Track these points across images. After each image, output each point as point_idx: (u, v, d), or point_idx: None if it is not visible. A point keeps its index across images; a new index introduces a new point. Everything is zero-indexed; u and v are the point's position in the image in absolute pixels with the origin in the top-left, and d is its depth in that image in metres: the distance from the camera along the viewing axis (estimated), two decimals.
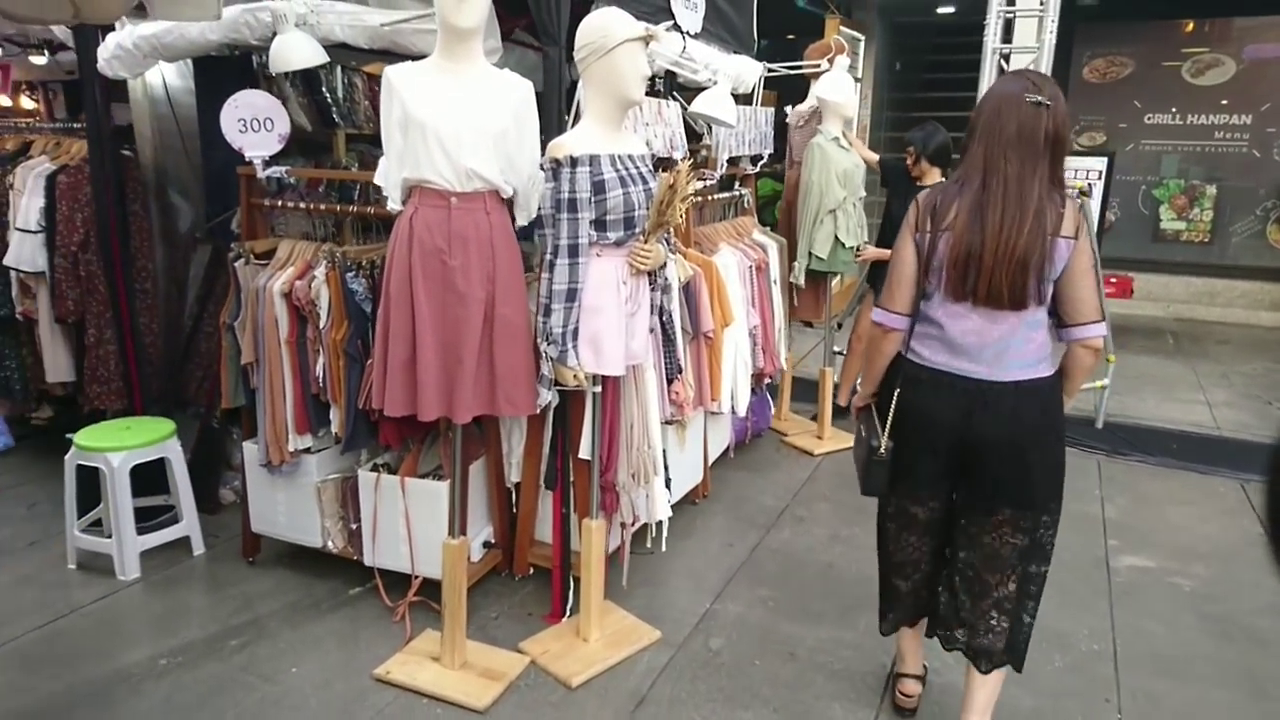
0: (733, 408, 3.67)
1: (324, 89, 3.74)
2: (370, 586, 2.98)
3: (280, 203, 2.99)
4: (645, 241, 2.42)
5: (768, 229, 4.33)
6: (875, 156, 4.50)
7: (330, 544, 3.04)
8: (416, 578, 2.86)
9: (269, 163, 2.90)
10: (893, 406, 2.09)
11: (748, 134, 3.96)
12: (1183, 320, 7.78)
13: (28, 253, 3.52)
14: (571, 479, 2.81)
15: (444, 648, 2.56)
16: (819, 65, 4.25)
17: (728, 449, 4.04)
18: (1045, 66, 4.26)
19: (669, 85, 3.65)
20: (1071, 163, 7.43)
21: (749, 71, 3.83)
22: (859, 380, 2.30)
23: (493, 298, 2.33)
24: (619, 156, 2.36)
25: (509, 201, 2.41)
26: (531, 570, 3.09)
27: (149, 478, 3.22)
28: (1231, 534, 3.62)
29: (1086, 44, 7.97)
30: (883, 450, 2.09)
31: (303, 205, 2.99)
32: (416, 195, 2.30)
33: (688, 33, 3.25)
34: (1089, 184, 5.84)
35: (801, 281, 4.21)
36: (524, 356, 2.41)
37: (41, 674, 2.58)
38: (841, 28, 7.03)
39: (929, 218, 1.98)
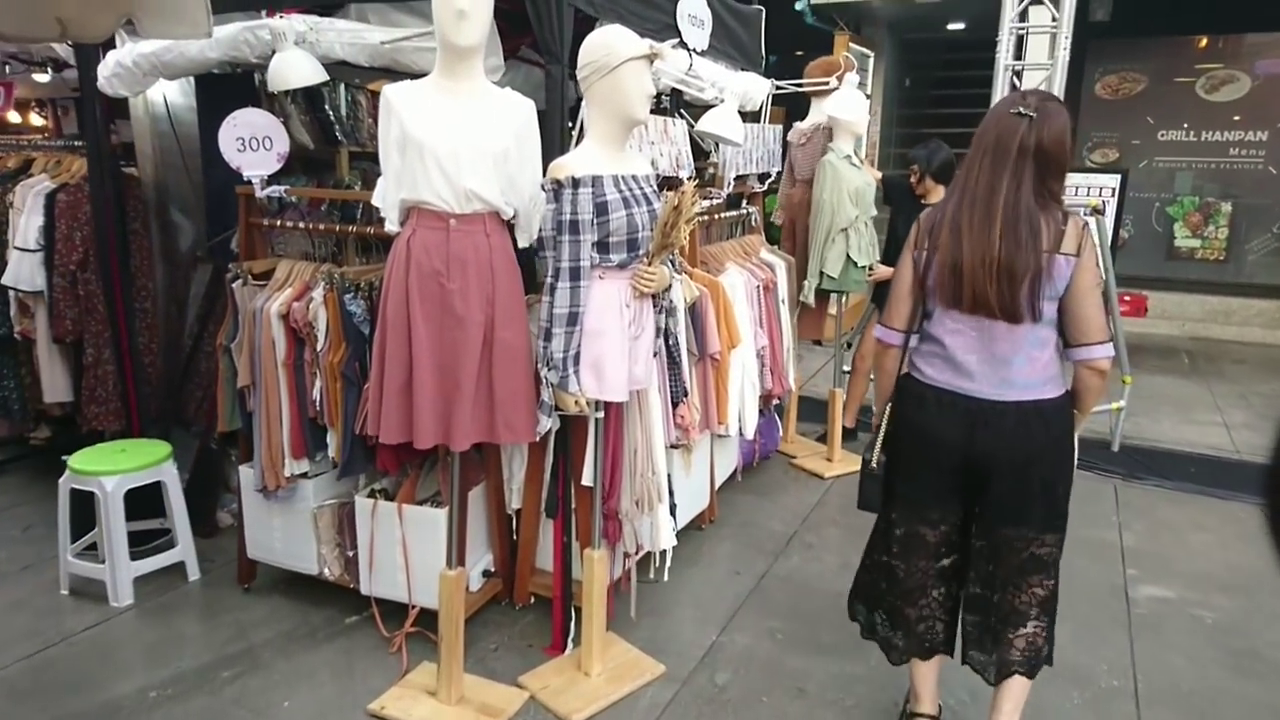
0: (740, 430, 3.59)
1: (326, 106, 3.68)
2: (367, 615, 2.91)
3: (279, 222, 2.94)
4: (649, 263, 2.35)
5: (775, 247, 4.27)
6: (878, 174, 4.44)
7: (326, 571, 2.97)
8: (414, 608, 2.78)
9: (268, 182, 2.86)
10: (884, 421, 2.13)
11: (755, 151, 3.90)
12: (1198, 339, 7.66)
13: (26, 272, 3.49)
14: (573, 506, 2.73)
15: (440, 682, 2.48)
16: (827, 83, 4.20)
17: (735, 472, 3.95)
18: (1059, 83, 4.20)
19: (675, 103, 3.60)
20: (1084, 180, 7.36)
21: (757, 89, 3.77)
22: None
23: (492, 321, 2.27)
24: (622, 177, 2.30)
25: (510, 222, 2.35)
26: (532, 599, 3.01)
27: (145, 500, 3.16)
28: (1254, 562, 3.51)
29: (1098, 60, 7.91)
30: (874, 464, 2.13)
31: (301, 225, 2.94)
32: (414, 217, 2.25)
33: (694, 50, 3.19)
34: (1102, 202, 5.76)
35: (812, 301, 4.14)
36: (524, 382, 2.34)
37: (27, 706, 2.51)
38: (851, 44, 7.00)
39: (927, 235, 2.01)
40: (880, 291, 4.33)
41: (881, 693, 2.61)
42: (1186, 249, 8.03)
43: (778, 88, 4.11)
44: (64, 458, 3.11)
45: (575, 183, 2.19)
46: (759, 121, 3.98)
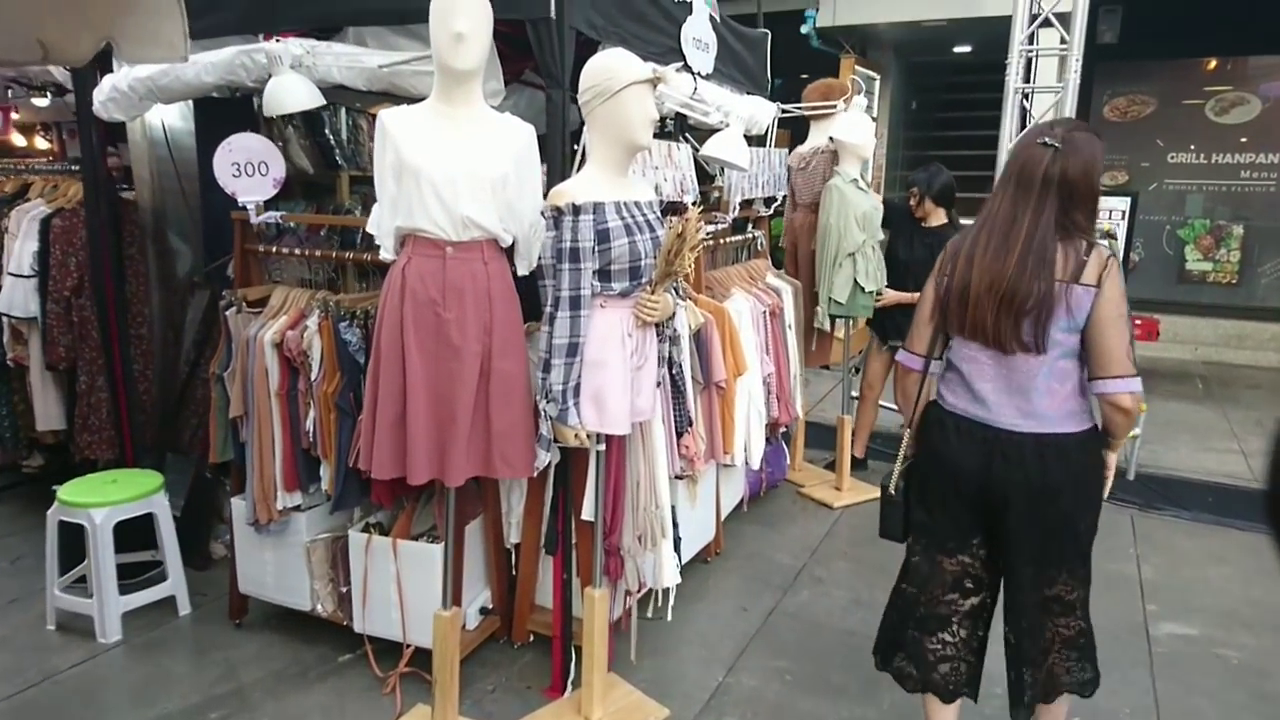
0: (746, 460, 3.50)
1: (327, 131, 3.65)
2: (360, 654, 2.81)
3: (275, 249, 2.88)
4: (652, 292, 2.27)
5: (781, 272, 4.20)
6: (878, 198, 4.37)
7: (320, 607, 2.88)
8: (408, 647, 2.69)
9: (265, 207, 2.80)
10: (904, 446, 2.14)
11: (761, 175, 3.83)
12: (1211, 364, 7.55)
13: (19, 298, 3.43)
14: (574, 542, 2.64)
15: None
16: (835, 106, 4.14)
17: (741, 502, 3.85)
18: (1070, 106, 4.14)
19: (680, 127, 3.54)
20: None
21: (763, 112, 3.72)
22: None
23: (489, 351, 2.19)
24: (624, 203, 2.23)
25: (509, 250, 2.28)
26: (531, 638, 2.91)
27: (137, 531, 3.08)
28: (1277, 598, 3.39)
29: (1107, 83, 7.86)
30: (892, 489, 2.12)
31: (297, 252, 2.88)
32: (410, 244, 2.18)
33: (699, 74, 3.14)
34: (1114, 225, 5.68)
35: (828, 326, 4.06)
36: (522, 414, 2.26)
37: None
38: (856, 67, 6.96)
39: (950, 260, 1.99)
40: (879, 318, 4.25)
41: None
42: (1198, 272, 7.92)
43: (783, 111, 4.06)
44: (54, 488, 3.04)
45: (576, 209, 2.12)
46: (765, 145, 3.92)
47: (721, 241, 3.69)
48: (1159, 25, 7.18)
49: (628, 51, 2.24)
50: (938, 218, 4.10)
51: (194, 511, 3.52)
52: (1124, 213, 6.91)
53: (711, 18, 3.28)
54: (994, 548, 2.04)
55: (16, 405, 3.75)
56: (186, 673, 2.81)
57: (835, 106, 4.09)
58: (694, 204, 3.03)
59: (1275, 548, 1.96)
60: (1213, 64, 7.68)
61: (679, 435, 2.81)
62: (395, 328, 2.16)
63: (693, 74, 3.08)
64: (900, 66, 8.34)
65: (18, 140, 5.77)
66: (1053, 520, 1.92)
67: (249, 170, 2.72)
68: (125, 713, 2.59)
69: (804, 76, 4.94)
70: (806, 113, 4.21)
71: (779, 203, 4.17)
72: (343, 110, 3.72)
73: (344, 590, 2.86)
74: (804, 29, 7.00)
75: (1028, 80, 4.44)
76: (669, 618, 2.88)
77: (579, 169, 2.39)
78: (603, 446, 2.41)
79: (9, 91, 4.28)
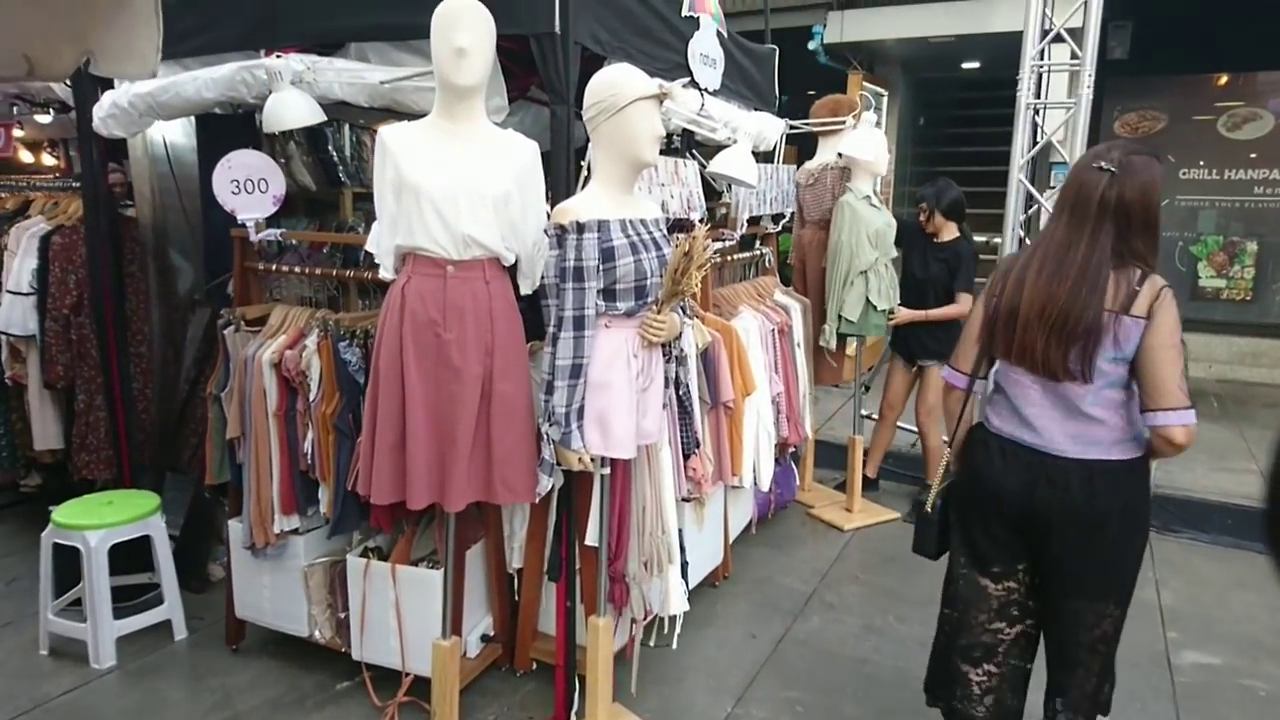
0: (755, 481, 3.42)
1: (330, 147, 3.61)
2: (358, 682, 2.74)
3: (275, 267, 2.84)
4: (659, 311, 2.21)
5: (789, 289, 4.14)
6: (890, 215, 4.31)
7: (317, 634, 2.81)
8: (407, 675, 2.61)
9: (264, 224, 2.75)
10: (941, 466, 2.12)
11: (769, 192, 3.78)
12: (1226, 381, 7.44)
13: (18, 316, 3.39)
14: (578, 567, 2.57)
15: None
16: (844, 122, 4.09)
17: (750, 524, 3.78)
18: (1083, 121, 4.07)
19: (687, 143, 3.49)
20: None
21: (771, 128, 3.67)
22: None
23: (491, 373, 2.13)
24: (630, 221, 2.17)
25: (511, 269, 2.23)
26: (534, 666, 2.83)
27: (134, 552, 3.02)
28: None
29: (1117, 99, 7.80)
30: (929, 507, 2.09)
31: (297, 270, 2.83)
32: (410, 263, 2.13)
33: (706, 90, 3.09)
34: None
35: (833, 345, 3.99)
36: (524, 437, 2.20)
37: None
38: (864, 83, 6.93)
39: (1001, 280, 1.95)
40: (904, 337, 4.19)
41: None
42: (1212, 289, 7.83)
43: (791, 128, 4.01)
44: (50, 508, 2.98)
45: (580, 227, 2.06)
46: (773, 161, 3.87)
47: (729, 258, 3.64)
48: (1169, 41, 7.13)
49: (633, 67, 2.19)
50: (949, 232, 4.06)
51: (193, 532, 3.46)
52: None
53: (719, 33, 3.24)
54: (1039, 575, 2.00)
55: (14, 424, 3.70)
56: (181, 700, 2.74)
57: (844, 122, 4.04)
58: (701, 221, 2.97)
59: (1276, 568, 1.93)
60: (1224, 79, 7.62)
61: (686, 457, 2.74)
62: (394, 349, 2.10)
63: (699, 90, 3.04)
64: (908, 83, 8.31)
65: (25, 157, 5.78)
66: (1100, 548, 1.87)
67: (248, 187, 2.68)
68: None
69: (811, 93, 4.90)
70: (815, 129, 4.16)
71: (787, 219, 4.12)
72: (346, 127, 3.69)
73: (342, 616, 2.79)
74: (811, 45, 6.97)
75: (1039, 95, 4.39)
76: (675, 645, 2.80)
77: (584, 186, 2.33)
78: (607, 470, 2.34)
79: (14, 108, 4.27)
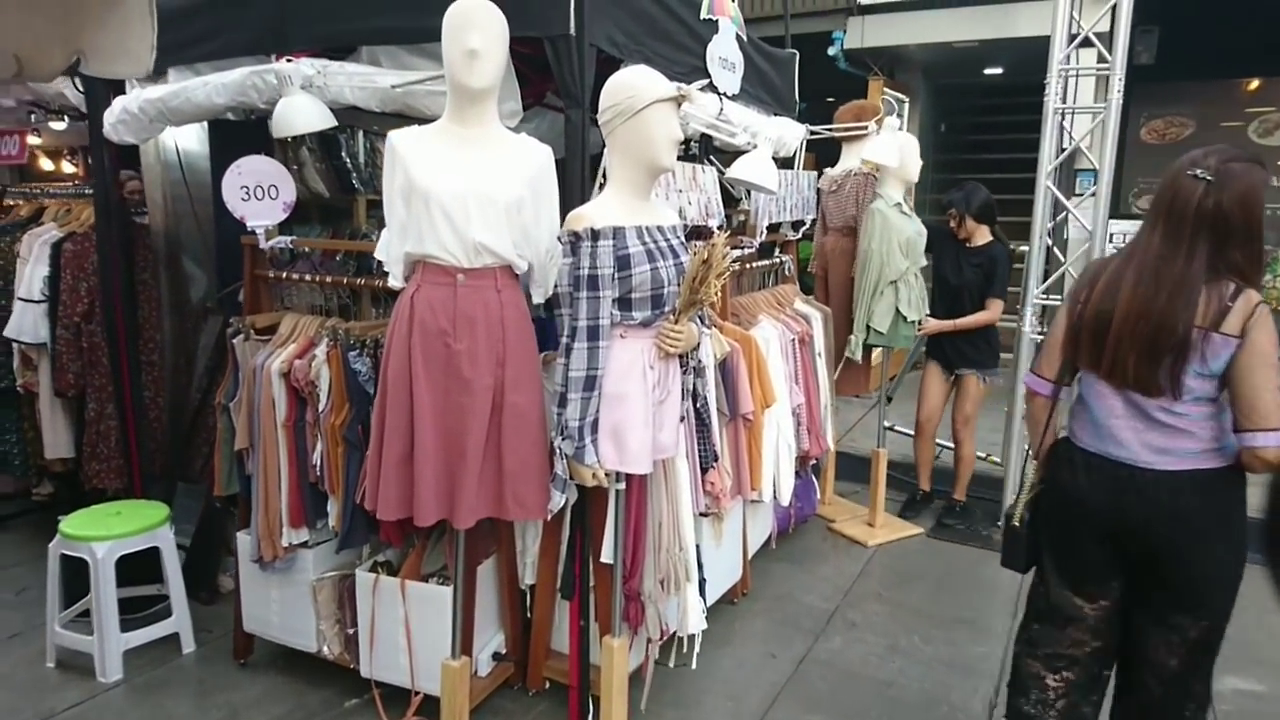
0: (775, 495, 3.33)
1: (344, 154, 3.58)
2: (367, 699, 2.67)
3: (284, 274, 2.79)
4: (676, 321, 2.13)
5: (810, 297, 4.05)
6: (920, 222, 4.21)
7: (326, 649, 2.75)
8: (416, 694, 2.54)
9: (276, 231, 2.71)
10: (1026, 479, 2.06)
11: (789, 199, 3.70)
12: None
13: (29, 323, 3.37)
14: (592, 585, 2.49)
15: None
16: (864, 128, 4.01)
17: (769, 539, 3.68)
18: (1112, 126, 3.96)
19: (705, 149, 3.42)
20: (1132, 226, 7.07)
21: (791, 134, 3.59)
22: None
23: (502, 384, 2.07)
24: (646, 228, 2.10)
25: (524, 277, 2.16)
26: (547, 685, 2.74)
27: (144, 564, 2.97)
28: None
29: (1144, 104, 7.65)
30: (1016, 520, 2.03)
31: (308, 278, 2.78)
32: (420, 271, 2.07)
33: (725, 94, 3.02)
34: None
35: (859, 357, 3.89)
36: (536, 451, 2.12)
37: None
38: (885, 89, 6.83)
39: (1087, 287, 1.90)
40: (940, 345, 4.08)
41: None
42: None
43: (812, 133, 3.93)
44: (59, 518, 2.94)
45: (594, 235, 1.99)
46: (793, 168, 3.79)
47: (748, 266, 3.56)
48: (1197, 45, 6.98)
49: (650, 69, 2.12)
50: (982, 236, 3.97)
51: (203, 543, 3.41)
52: None
53: (738, 36, 3.17)
54: (1132, 590, 1.93)
55: (26, 432, 3.68)
56: (187, 715, 2.68)
57: (866, 128, 3.96)
58: (720, 228, 2.90)
59: (1272, 579, 1.84)
60: (1255, 84, 7.46)
61: (704, 471, 2.67)
62: (403, 359, 2.04)
63: (718, 94, 2.96)
64: (930, 89, 8.20)
65: (45, 165, 5.80)
66: (1194, 562, 1.82)
67: (258, 194, 2.63)
68: None
69: (830, 100, 4.83)
70: (838, 134, 4.08)
71: (807, 226, 4.04)
72: (360, 133, 3.65)
73: (351, 632, 2.72)
74: (831, 51, 6.89)
75: (1065, 101, 4.28)
76: (694, 665, 2.71)
77: (599, 192, 2.26)
78: (622, 485, 2.26)
79: (31, 116, 4.27)
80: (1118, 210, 6.68)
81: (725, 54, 3.05)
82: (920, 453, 4.35)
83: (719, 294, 2.71)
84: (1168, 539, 1.80)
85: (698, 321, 2.25)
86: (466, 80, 1.98)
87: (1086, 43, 4.13)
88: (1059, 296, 4.41)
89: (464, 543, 2.25)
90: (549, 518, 2.24)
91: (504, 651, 2.75)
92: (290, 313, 2.81)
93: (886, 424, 4.40)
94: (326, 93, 2.53)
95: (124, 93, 2.95)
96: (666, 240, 2.14)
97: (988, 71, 8.13)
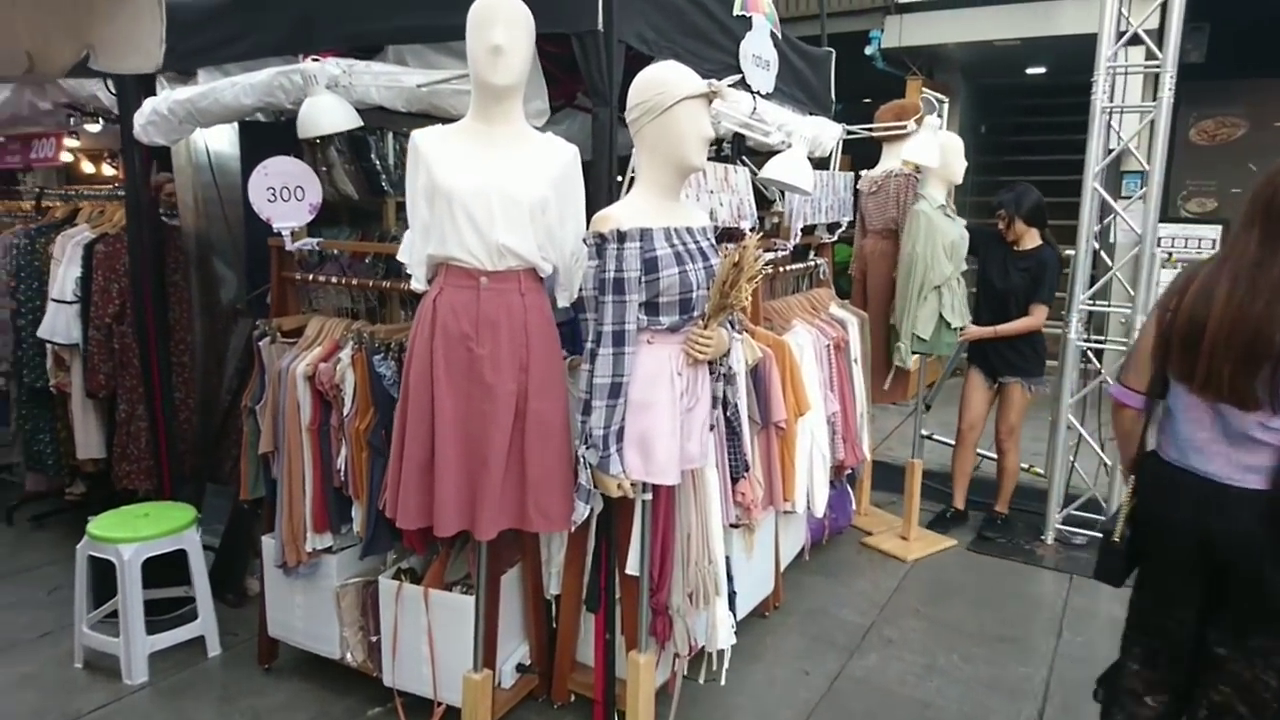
0: (809, 506, 3.23)
1: (373, 155, 3.53)
2: (390, 708, 2.63)
3: (311, 276, 2.76)
4: (705, 326, 2.05)
5: (846, 301, 3.94)
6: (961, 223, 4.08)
7: (349, 656, 2.71)
8: (439, 705, 2.49)
9: (305, 232, 2.68)
10: (1126, 493, 1.98)
11: (825, 200, 3.60)
12: None
13: (62, 324, 3.39)
14: (618, 597, 2.42)
15: None
16: (903, 127, 3.89)
17: (802, 550, 3.58)
18: (1163, 125, 3.81)
19: (738, 149, 3.34)
20: (1180, 231, 6.84)
21: (827, 133, 3.49)
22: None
23: (525, 390, 2.01)
24: (675, 229, 2.03)
25: (549, 280, 2.10)
26: (572, 698, 2.68)
27: (173, 565, 2.96)
28: None
29: (1193, 104, 7.41)
30: (1116, 536, 1.96)
31: (335, 280, 2.75)
32: (442, 274, 2.02)
33: (758, 93, 2.94)
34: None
35: (910, 365, 3.77)
36: (560, 460, 2.06)
37: None
38: (924, 90, 6.69)
39: (1178, 294, 1.81)
40: (983, 351, 3.96)
41: None
42: None
43: (849, 133, 3.83)
44: (88, 518, 2.95)
45: (621, 236, 1.92)
46: (828, 168, 3.69)
47: (781, 269, 3.47)
48: (1248, 43, 6.74)
49: (680, 64, 2.04)
50: (1031, 239, 3.85)
51: (232, 545, 3.40)
52: (1214, 241, 6.47)
53: (773, 34, 3.09)
54: (1224, 611, 1.84)
55: (59, 432, 3.71)
56: None
57: (905, 127, 3.84)
58: (752, 230, 2.82)
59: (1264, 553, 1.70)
60: None
61: (734, 481, 2.59)
62: (425, 364, 1.99)
63: (752, 92, 2.88)
64: (969, 89, 8.03)
65: (87, 167, 5.90)
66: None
67: (285, 195, 2.61)
68: None
69: (867, 101, 4.72)
70: (877, 134, 3.97)
71: (843, 228, 3.93)
72: (390, 135, 3.62)
73: (374, 639, 2.68)
74: (868, 50, 6.76)
75: (1113, 100, 4.13)
76: (723, 681, 2.63)
77: (627, 192, 2.20)
78: (649, 496, 2.19)
79: (71, 119, 4.32)
80: (1166, 214, 6.47)
81: (759, 51, 2.97)
82: (959, 464, 4.21)
83: (751, 298, 2.63)
84: (1253, 561, 1.72)
85: (728, 326, 2.17)
86: (490, 77, 1.92)
87: (1135, 40, 3.99)
88: (1105, 302, 4.26)
89: (487, 553, 2.20)
90: (573, 529, 2.17)
91: (528, 663, 2.69)
92: (317, 315, 2.78)
93: (925, 432, 4.28)
94: (352, 93, 2.50)
95: (154, 94, 2.96)
96: (696, 242, 2.07)
97: (1030, 71, 7.94)
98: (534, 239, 1.98)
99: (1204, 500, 1.77)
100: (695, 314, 2.05)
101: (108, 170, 5.82)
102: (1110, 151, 4.12)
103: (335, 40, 2.57)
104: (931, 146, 3.69)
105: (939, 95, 7.07)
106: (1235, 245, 1.75)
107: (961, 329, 3.74)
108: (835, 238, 3.94)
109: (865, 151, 4.30)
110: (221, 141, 3.50)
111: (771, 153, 3.11)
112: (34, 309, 3.54)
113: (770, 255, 3.17)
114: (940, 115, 6.92)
